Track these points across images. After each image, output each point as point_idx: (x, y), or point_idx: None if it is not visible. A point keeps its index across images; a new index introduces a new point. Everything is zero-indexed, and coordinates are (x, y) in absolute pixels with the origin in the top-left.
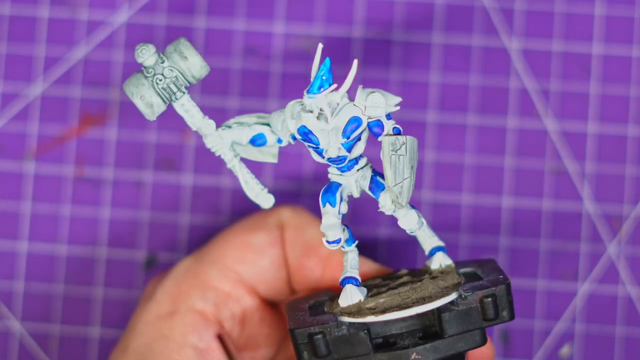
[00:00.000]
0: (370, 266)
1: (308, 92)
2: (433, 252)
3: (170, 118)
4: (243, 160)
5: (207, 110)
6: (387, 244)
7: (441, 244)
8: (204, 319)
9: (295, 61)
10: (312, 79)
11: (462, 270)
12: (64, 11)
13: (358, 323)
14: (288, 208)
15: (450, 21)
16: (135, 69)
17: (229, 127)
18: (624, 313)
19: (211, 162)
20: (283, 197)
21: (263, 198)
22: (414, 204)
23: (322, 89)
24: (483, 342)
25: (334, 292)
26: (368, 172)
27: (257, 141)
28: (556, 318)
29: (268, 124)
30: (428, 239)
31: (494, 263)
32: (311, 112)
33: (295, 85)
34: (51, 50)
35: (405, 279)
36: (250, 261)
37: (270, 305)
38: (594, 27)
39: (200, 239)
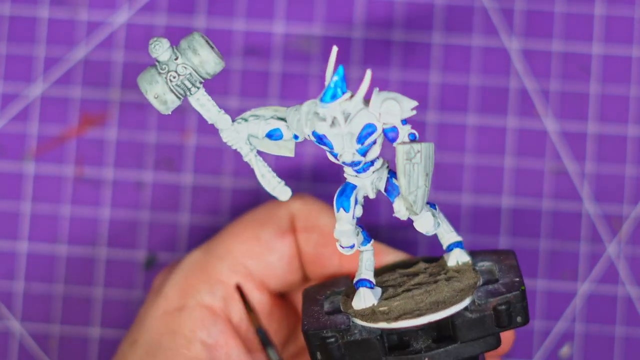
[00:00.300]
0: (389, 255)
1: (321, 100)
2: (450, 248)
3: (171, 118)
4: (260, 153)
5: None
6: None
7: (459, 239)
8: (212, 314)
9: (295, 61)
10: (325, 86)
11: (480, 264)
12: (64, 11)
13: (371, 327)
14: (297, 198)
15: (450, 21)
16: (134, 69)
17: (245, 119)
18: (624, 313)
19: (211, 162)
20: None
21: (280, 191)
22: (434, 204)
23: (335, 98)
24: (497, 344)
25: (353, 277)
26: (384, 173)
27: (273, 135)
28: (556, 318)
29: (284, 119)
30: (446, 235)
31: (513, 257)
32: (324, 120)
33: (296, 85)
34: (51, 50)
35: (421, 277)
36: (259, 255)
37: (280, 297)
38: (594, 27)
39: (200, 239)
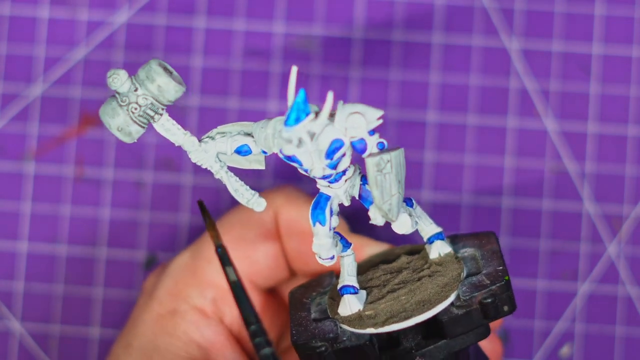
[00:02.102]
0: (370, 247)
1: (285, 124)
2: (431, 240)
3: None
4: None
5: (207, 110)
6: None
7: (439, 230)
8: (205, 317)
9: (295, 61)
10: (288, 109)
11: (462, 250)
12: (64, 11)
13: (359, 333)
14: (281, 193)
15: (450, 21)
16: (134, 68)
17: (212, 138)
18: (624, 313)
19: None
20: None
21: (254, 203)
22: (410, 198)
23: (299, 121)
24: (487, 333)
25: (337, 273)
26: (357, 180)
27: (242, 152)
28: (556, 318)
29: (251, 134)
30: (425, 228)
31: (494, 240)
32: (290, 141)
33: (296, 85)
34: (51, 50)
35: (405, 274)
36: (245, 255)
37: (270, 292)
38: (594, 27)
39: None
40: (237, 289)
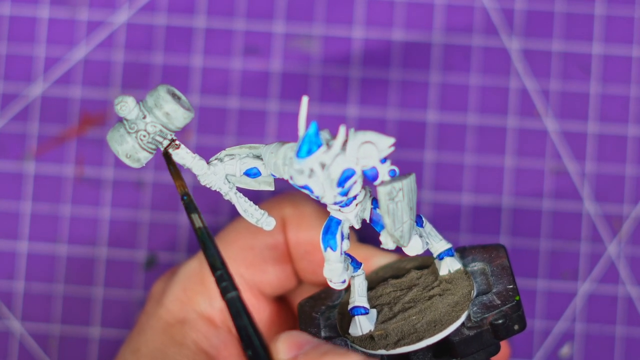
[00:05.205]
0: (379, 258)
1: (297, 155)
2: (441, 256)
3: None
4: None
5: (207, 111)
6: None
7: (448, 246)
8: (213, 326)
9: (295, 61)
10: (299, 139)
11: (472, 264)
12: (64, 11)
13: (371, 353)
14: (289, 203)
15: (450, 21)
16: (134, 68)
17: (221, 160)
18: (624, 313)
19: None
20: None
21: (264, 222)
22: (420, 216)
23: (310, 154)
24: (497, 350)
25: (345, 288)
26: (367, 204)
27: (251, 174)
28: (556, 318)
29: (260, 156)
30: (435, 244)
31: (504, 254)
32: (302, 172)
33: (295, 85)
34: (51, 50)
35: (415, 292)
36: (253, 264)
37: (278, 300)
38: (594, 27)
39: None
40: (204, 235)
